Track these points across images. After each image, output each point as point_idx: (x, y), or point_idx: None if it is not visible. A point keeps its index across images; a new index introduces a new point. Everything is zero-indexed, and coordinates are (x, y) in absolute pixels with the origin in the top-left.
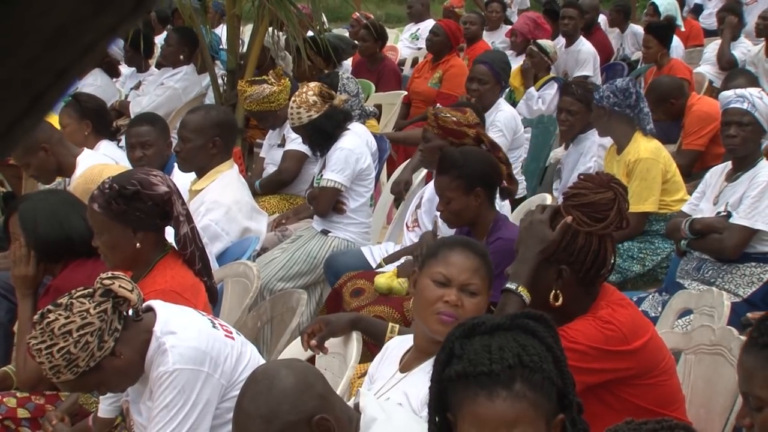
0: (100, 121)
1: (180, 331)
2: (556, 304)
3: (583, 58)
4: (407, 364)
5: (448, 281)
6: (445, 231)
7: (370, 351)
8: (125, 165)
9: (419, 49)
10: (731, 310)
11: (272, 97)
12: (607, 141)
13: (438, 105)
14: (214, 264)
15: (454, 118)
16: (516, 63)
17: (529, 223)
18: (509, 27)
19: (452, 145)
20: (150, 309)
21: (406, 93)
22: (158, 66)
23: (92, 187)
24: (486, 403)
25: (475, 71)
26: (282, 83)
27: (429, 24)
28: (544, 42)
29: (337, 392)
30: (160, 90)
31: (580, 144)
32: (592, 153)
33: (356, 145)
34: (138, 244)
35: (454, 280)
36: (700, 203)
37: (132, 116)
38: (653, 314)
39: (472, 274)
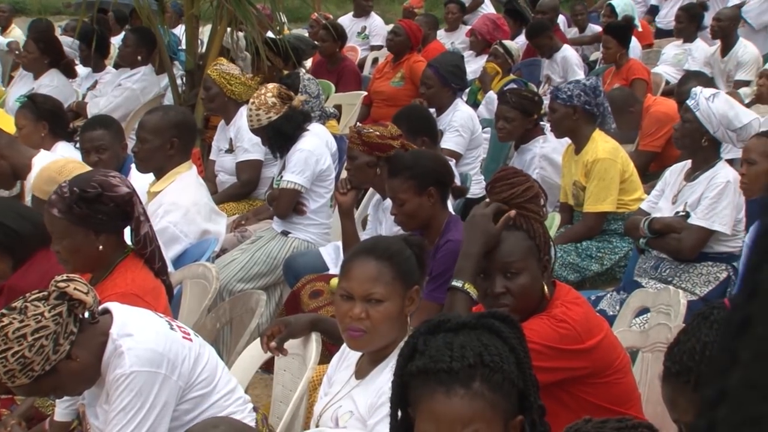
0: (57, 122)
1: (137, 333)
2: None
3: (574, 63)
4: (361, 369)
5: (351, 295)
6: None
7: (329, 352)
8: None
9: (379, 48)
10: (688, 309)
11: (233, 80)
12: (550, 151)
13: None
14: (171, 266)
15: (377, 132)
16: (476, 63)
17: (472, 216)
18: (467, 27)
19: (378, 160)
20: (107, 311)
21: (366, 93)
22: (116, 67)
23: (60, 179)
24: (443, 400)
25: (423, 75)
26: (251, 80)
27: (375, 20)
28: (509, 43)
29: (296, 393)
30: (117, 91)
31: (523, 155)
32: (534, 165)
33: (316, 146)
34: (100, 247)
35: (355, 293)
36: (659, 201)
37: (89, 117)
38: (611, 313)
39: (373, 282)
